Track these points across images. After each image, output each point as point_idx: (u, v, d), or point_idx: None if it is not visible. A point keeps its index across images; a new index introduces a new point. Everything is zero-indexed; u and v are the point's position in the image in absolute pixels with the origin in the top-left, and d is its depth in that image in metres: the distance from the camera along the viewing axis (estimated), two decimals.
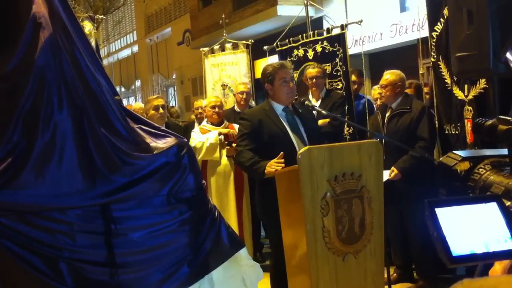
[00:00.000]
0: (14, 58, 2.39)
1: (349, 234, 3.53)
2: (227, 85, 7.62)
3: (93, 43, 5.75)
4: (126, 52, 24.96)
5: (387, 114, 4.93)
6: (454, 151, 1.88)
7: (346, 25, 6.21)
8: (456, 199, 1.54)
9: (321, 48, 6.25)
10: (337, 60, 6.10)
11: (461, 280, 0.97)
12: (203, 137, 5.50)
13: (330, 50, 6.17)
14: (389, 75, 4.91)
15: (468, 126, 4.32)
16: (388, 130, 4.84)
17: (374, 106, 6.17)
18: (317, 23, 10.58)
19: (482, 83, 4.16)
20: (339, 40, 6.13)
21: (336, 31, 6.24)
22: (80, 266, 2.39)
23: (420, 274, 4.90)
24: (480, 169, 1.72)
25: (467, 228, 1.41)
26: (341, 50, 6.08)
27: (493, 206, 1.46)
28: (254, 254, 5.76)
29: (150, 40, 21.70)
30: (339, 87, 6.08)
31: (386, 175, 4.42)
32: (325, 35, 6.31)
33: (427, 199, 1.43)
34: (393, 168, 4.62)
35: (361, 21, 6.24)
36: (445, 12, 4.49)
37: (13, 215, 2.29)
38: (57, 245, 2.35)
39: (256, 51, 7.84)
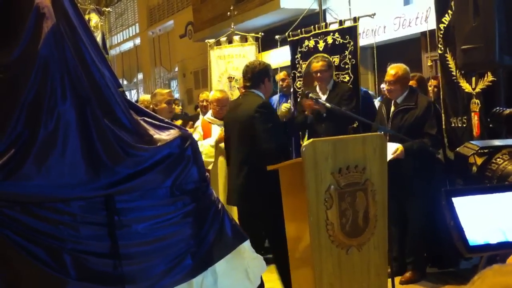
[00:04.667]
0: (17, 49, 2.38)
1: (352, 227, 3.52)
2: (233, 78, 7.58)
3: (100, 36, 5.73)
4: (128, 45, 24.90)
5: (392, 109, 4.88)
6: (471, 142, 1.86)
7: (359, 18, 6.14)
8: (473, 188, 1.53)
9: (332, 40, 6.19)
10: (347, 52, 6.04)
11: (490, 266, 0.96)
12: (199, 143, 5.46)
13: (341, 42, 6.11)
14: (396, 70, 4.83)
15: (475, 119, 4.29)
16: (393, 126, 4.79)
17: (373, 98, 6.14)
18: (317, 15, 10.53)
19: (490, 75, 4.13)
20: (351, 32, 6.07)
21: (348, 24, 6.19)
22: (83, 257, 2.38)
23: (413, 266, 4.85)
24: (498, 159, 1.70)
25: (484, 217, 1.40)
26: (351, 43, 6.02)
27: (510, 196, 1.45)
28: (255, 247, 5.73)
29: (153, 33, 21.64)
30: (345, 80, 6.03)
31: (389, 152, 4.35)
32: (337, 27, 6.26)
33: (444, 188, 1.41)
34: (399, 146, 4.56)
35: (374, 14, 6.19)
36: (453, 3, 4.45)
37: (16, 206, 2.28)
38: (60, 237, 2.34)
39: (264, 43, 7.80)
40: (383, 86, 5.63)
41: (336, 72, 6.07)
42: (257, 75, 4.42)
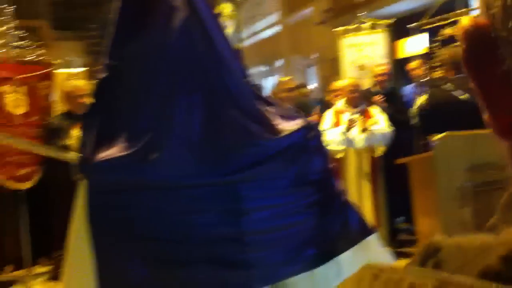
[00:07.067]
0: (147, 39, 2.49)
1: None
2: (364, 66, 7.39)
3: (232, 26, 5.83)
4: (267, 33, 25.25)
5: None
6: None
7: None
8: None
9: None
10: None
11: None
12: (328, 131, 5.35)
13: None
14: None
15: None
16: None
17: None
18: (458, 1, 9.90)
19: None
20: None
21: None
22: (212, 243, 2.46)
23: None
24: None
25: None
26: None
27: None
28: (389, 240, 5.56)
29: (291, 20, 21.74)
30: None
31: None
32: None
33: None
34: None
35: None
36: None
37: (146, 191, 2.40)
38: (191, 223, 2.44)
39: (397, 31, 7.48)
40: None
41: None
42: None
